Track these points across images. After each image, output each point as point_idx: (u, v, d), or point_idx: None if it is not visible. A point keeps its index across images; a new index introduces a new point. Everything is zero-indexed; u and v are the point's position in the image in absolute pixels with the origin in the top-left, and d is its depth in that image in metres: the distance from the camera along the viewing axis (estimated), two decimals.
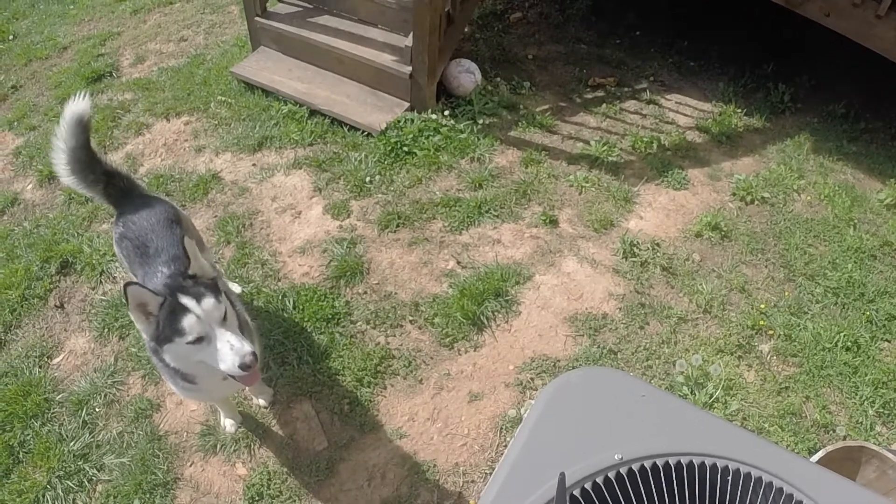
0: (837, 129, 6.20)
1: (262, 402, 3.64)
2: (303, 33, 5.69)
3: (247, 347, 2.41)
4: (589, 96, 6.16)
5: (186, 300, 2.37)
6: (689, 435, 1.54)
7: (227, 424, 3.54)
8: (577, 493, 1.41)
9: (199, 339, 2.39)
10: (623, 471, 1.45)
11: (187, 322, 2.35)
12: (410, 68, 5.29)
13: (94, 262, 4.38)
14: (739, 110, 6.22)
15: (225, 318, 2.45)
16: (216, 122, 5.49)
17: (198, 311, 2.36)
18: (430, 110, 5.45)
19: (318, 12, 5.89)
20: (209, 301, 2.39)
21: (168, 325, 2.38)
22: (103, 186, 3.22)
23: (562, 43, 6.86)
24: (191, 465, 3.46)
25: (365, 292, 4.22)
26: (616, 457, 1.48)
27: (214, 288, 2.48)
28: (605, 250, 4.63)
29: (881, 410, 3.93)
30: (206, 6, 7.31)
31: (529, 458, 1.50)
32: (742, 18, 7.30)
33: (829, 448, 3.17)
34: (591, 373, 1.84)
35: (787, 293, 4.54)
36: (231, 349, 2.40)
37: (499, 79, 6.04)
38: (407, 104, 5.48)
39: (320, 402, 3.69)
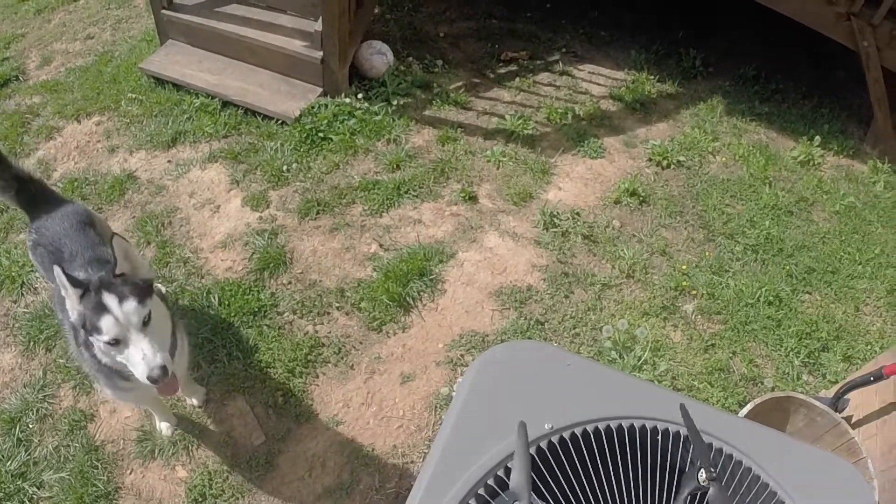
0: (749, 91, 6.37)
1: (195, 401, 3.62)
2: (211, 24, 5.59)
3: (158, 360, 2.36)
4: (502, 71, 6.20)
5: (108, 298, 2.32)
6: (616, 400, 1.58)
7: (163, 427, 3.51)
8: (511, 464, 1.44)
9: (115, 341, 2.35)
10: (555, 439, 1.49)
11: (105, 322, 2.31)
12: (321, 53, 5.26)
13: (13, 274, 4.27)
14: (652, 77, 6.34)
15: (146, 324, 2.40)
16: (128, 121, 5.38)
17: (117, 311, 2.31)
18: (343, 94, 5.43)
19: (225, 1, 5.78)
20: (130, 304, 2.33)
21: (90, 319, 2.34)
22: (14, 192, 3.17)
23: (473, 19, 6.87)
24: (131, 473, 3.43)
25: (290, 282, 4.22)
26: (546, 426, 1.51)
27: (143, 290, 2.42)
28: (525, 223, 4.71)
29: (806, 360, 4.10)
30: (111, 1, 7.11)
31: (461, 435, 1.52)
32: None
33: (758, 400, 3.29)
34: (516, 346, 1.86)
35: (707, 253, 4.69)
36: (143, 358, 2.36)
37: (411, 58, 6.04)
38: (320, 90, 5.45)
39: (254, 396, 3.69)
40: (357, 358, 3.90)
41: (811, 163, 5.61)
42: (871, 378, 3.27)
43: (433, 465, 1.47)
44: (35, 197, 3.23)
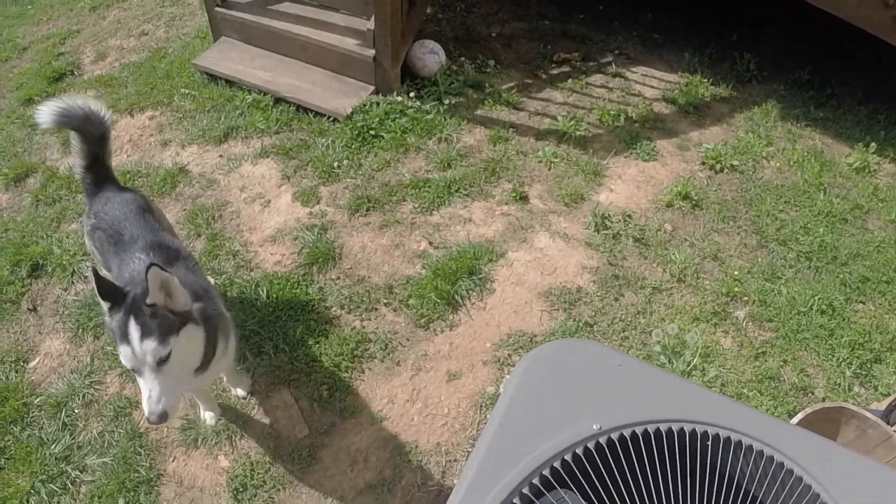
0: (804, 96, 6.24)
1: (240, 392, 3.62)
2: (264, 21, 5.64)
3: (160, 407, 2.29)
4: (554, 72, 6.15)
5: (132, 327, 2.26)
6: (667, 402, 1.54)
7: (207, 417, 3.51)
8: (557, 464, 1.41)
9: (132, 368, 2.31)
10: (602, 440, 1.45)
11: (123, 350, 2.27)
12: (374, 51, 5.27)
13: (64, 262, 4.33)
14: (706, 80, 6.24)
15: (163, 362, 2.31)
16: (181, 115, 5.44)
17: (136, 345, 2.25)
18: (395, 93, 5.43)
19: (278, 0, 5.84)
20: (150, 343, 2.25)
21: (112, 335, 2.31)
22: (86, 164, 3.20)
23: (525, 20, 6.84)
24: (173, 461, 3.44)
25: (338, 277, 4.21)
26: (595, 427, 1.48)
27: (170, 327, 2.33)
28: (576, 224, 4.65)
29: (858, 371, 3.98)
30: None
31: (507, 433, 1.48)
32: None
33: (808, 410, 3.20)
34: (565, 345, 1.79)
35: (760, 259, 4.58)
36: (148, 399, 2.30)
37: (463, 58, 6.02)
38: (372, 88, 5.45)
39: (299, 389, 3.67)
40: (403, 354, 3.87)
41: (867, 170, 5.47)
42: None
43: (477, 463, 1.44)
44: (100, 178, 3.26)
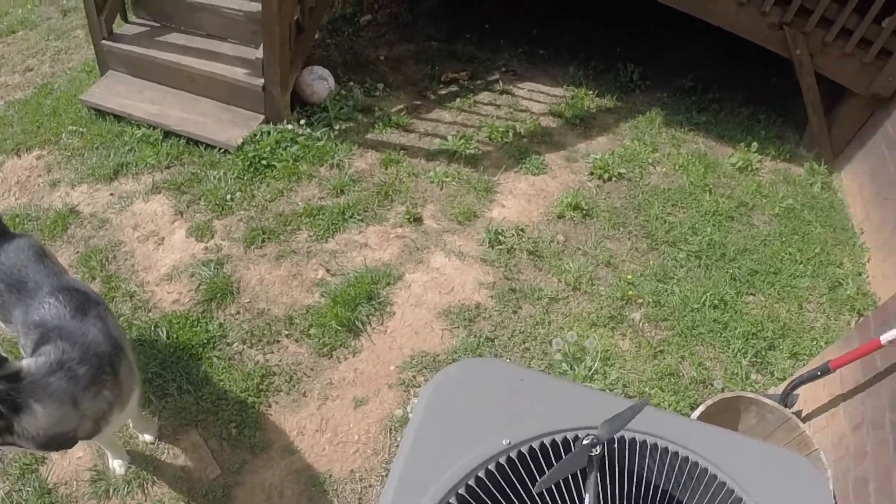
0: (686, 102, 6.53)
1: (147, 437, 3.57)
2: (151, 53, 5.59)
3: None
4: (443, 92, 6.28)
5: None
6: (571, 411, 1.62)
7: (116, 466, 3.44)
8: (471, 482, 1.47)
9: None
10: (513, 454, 1.53)
11: None
12: (263, 80, 5.29)
13: None
14: (591, 92, 6.47)
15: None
16: (69, 154, 5.32)
17: None
18: (285, 121, 5.46)
19: (165, 31, 5.80)
20: None
21: None
22: None
23: (413, 42, 6.96)
24: None
25: (237, 312, 4.21)
26: (504, 442, 1.55)
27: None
28: (471, 241, 4.76)
29: (754, 360, 4.20)
30: (50, 32, 7.06)
31: (419, 457, 1.53)
32: (589, 6, 7.55)
33: (709, 402, 3.36)
34: (469, 365, 1.89)
35: (651, 262, 4.78)
36: None
37: (352, 83, 6.10)
38: (262, 117, 5.47)
39: (207, 429, 3.65)
40: (309, 385, 3.89)
41: (749, 168, 5.75)
42: (819, 373, 3.39)
43: (393, 489, 1.48)
44: None
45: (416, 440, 1.58)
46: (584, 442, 1.38)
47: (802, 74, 5.66)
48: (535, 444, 1.56)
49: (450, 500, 1.45)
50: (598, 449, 1.38)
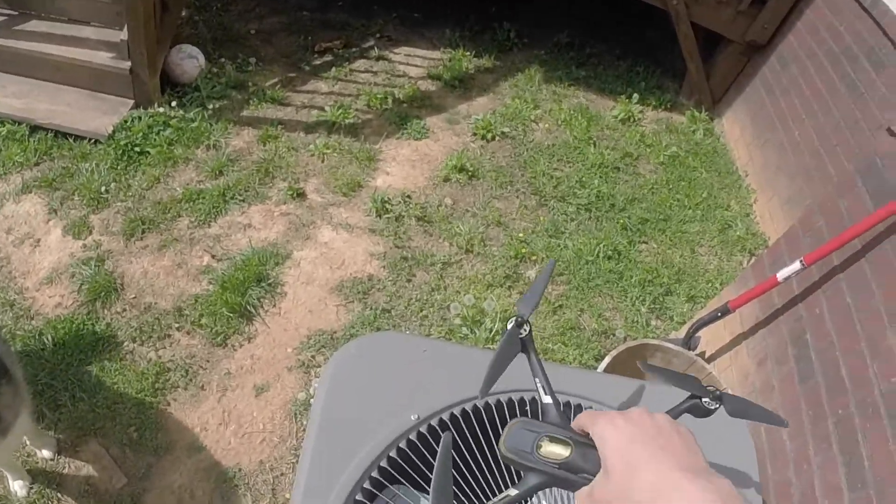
0: (565, 57, 6.64)
1: (46, 453, 3.42)
2: (10, 43, 5.31)
3: None
4: (317, 63, 6.21)
5: None
6: (476, 378, 1.61)
7: (17, 487, 3.29)
8: (384, 463, 1.46)
9: None
10: (423, 429, 1.51)
11: None
12: (130, 63, 5.12)
13: None
14: (468, 53, 6.52)
15: None
16: None
17: None
18: (156, 104, 5.30)
19: (24, 18, 5.50)
20: None
21: None
22: None
23: (284, 13, 6.85)
24: None
25: (124, 310, 4.08)
26: (413, 417, 1.53)
27: None
28: (357, 212, 4.74)
29: (652, 307, 4.34)
30: None
31: (327, 442, 1.50)
32: None
33: (614, 352, 3.42)
34: (368, 340, 1.84)
35: (542, 218, 4.86)
36: None
37: (223, 59, 5.96)
38: (132, 102, 5.29)
39: (107, 437, 3.53)
40: (206, 377, 3.81)
41: (632, 119, 5.90)
42: (719, 314, 3.53)
43: (304, 478, 1.45)
44: None
45: (322, 425, 1.54)
46: (509, 326, 1.36)
47: (679, 24, 5.80)
48: (445, 416, 1.55)
49: (364, 485, 1.43)
50: (527, 328, 1.36)
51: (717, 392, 1.35)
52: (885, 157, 2.98)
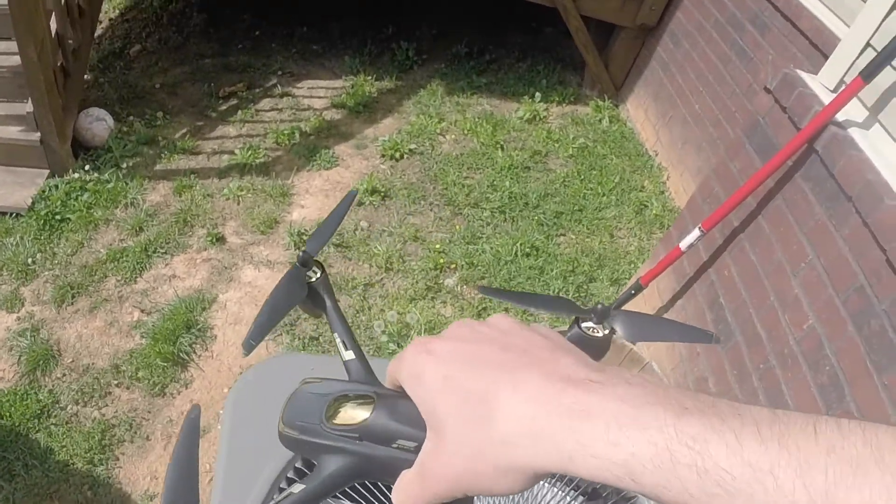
0: (465, 68, 6.87)
1: None
2: None
3: None
4: (223, 108, 6.38)
5: None
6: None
7: None
8: (291, 474, 1.48)
9: None
10: None
11: None
12: (39, 134, 5.25)
13: None
14: (370, 78, 6.71)
15: None
16: None
17: None
18: (71, 170, 5.44)
19: None
20: None
21: None
22: None
23: (186, 63, 7.00)
24: None
25: (64, 375, 4.23)
26: None
27: None
28: (277, 248, 4.94)
29: (576, 295, 4.53)
30: None
31: (234, 466, 1.56)
32: None
33: None
34: (264, 366, 1.88)
35: (457, 227, 5.05)
36: None
37: (132, 117, 6.11)
38: (47, 171, 5.43)
39: (62, 499, 3.66)
40: (150, 427, 3.98)
41: (537, 118, 6.16)
42: (633, 291, 3.71)
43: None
44: None
45: (229, 451, 1.61)
46: (296, 266, 1.17)
47: (569, 19, 6.05)
48: None
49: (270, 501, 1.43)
50: (318, 271, 1.18)
51: (602, 306, 1.04)
52: (766, 115, 3.21)
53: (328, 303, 1.16)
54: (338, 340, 1.07)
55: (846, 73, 2.94)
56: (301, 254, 1.15)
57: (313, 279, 1.17)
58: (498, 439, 0.54)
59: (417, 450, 0.64)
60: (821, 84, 3.02)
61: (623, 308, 1.11)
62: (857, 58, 2.89)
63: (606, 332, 1.02)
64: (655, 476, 0.47)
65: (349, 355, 1.02)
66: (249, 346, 1.08)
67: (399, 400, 0.69)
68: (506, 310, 4.17)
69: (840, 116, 2.74)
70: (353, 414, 0.72)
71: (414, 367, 0.65)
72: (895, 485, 0.41)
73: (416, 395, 0.63)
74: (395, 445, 0.68)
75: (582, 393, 0.52)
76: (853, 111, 2.76)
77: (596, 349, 1.02)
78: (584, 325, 1.03)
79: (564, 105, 6.46)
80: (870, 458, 0.42)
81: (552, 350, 0.60)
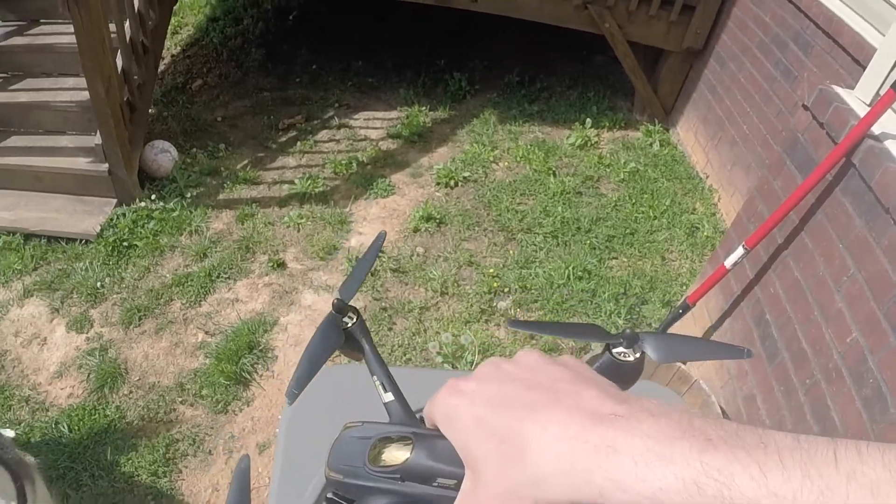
0: (517, 96, 7.00)
1: None
2: None
3: None
4: (283, 139, 6.57)
5: None
6: (423, 392, 1.59)
7: None
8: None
9: None
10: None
11: None
12: (107, 165, 5.47)
13: None
14: (424, 108, 6.86)
15: None
16: None
17: None
18: (138, 199, 5.65)
19: (4, 135, 5.86)
20: None
21: None
22: None
23: (246, 97, 7.23)
24: None
25: (130, 392, 4.39)
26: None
27: None
28: (335, 273, 5.06)
29: (628, 317, 4.58)
30: None
31: (288, 471, 1.59)
32: (407, 27, 8.00)
33: (586, 359, 3.55)
34: (322, 375, 1.84)
35: (511, 252, 5.13)
36: None
37: (195, 149, 6.32)
38: (115, 201, 5.64)
39: None
40: (212, 443, 4.09)
41: (589, 144, 6.25)
42: (681, 311, 3.76)
43: (274, 499, 1.55)
44: None
45: (285, 457, 1.64)
46: (331, 314, 1.18)
47: (616, 45, 6.16)
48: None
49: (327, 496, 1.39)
50: (353, 316, 1.19)
51: (629, 332, 1.03)
52: (804, 132, 3.25)
53: (366, 347, 1.17)
54: (377, 383, 1.09)
55: (881, 86, 2.96)
56: (336, 301, 1.17)
57: (349, 325, 1.17)
58: (531, 479, 0.57)
59: (457, 487, 0.66)
60: (857, 98, 3.05)
61: (667, 331, 1.11)
62: (892, 70, 2.92)
63: (637, 355, 1.02)
64: None
65: (388, 397, 1.06)
66: (293, 395, 1.10)
67: (437, 440, 0.73)
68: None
69: (876, 129, 2.77)
70: (394, 455, 0.78)
71: (447, 409, 0.68)
72: None
73: (451, 437, 0.67)
74: (435, 484, 0.74)
75: (607, 429, 0.55)
76: (888, 123, 2.79)
77: (629, 374, 1.03)
78: (614, 350, 1.03)
79: (615, 130, 6.55)
80: (889, 481, 0.44)
81: (575, 383, 0.63)
